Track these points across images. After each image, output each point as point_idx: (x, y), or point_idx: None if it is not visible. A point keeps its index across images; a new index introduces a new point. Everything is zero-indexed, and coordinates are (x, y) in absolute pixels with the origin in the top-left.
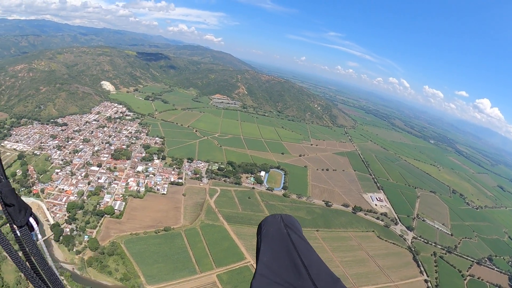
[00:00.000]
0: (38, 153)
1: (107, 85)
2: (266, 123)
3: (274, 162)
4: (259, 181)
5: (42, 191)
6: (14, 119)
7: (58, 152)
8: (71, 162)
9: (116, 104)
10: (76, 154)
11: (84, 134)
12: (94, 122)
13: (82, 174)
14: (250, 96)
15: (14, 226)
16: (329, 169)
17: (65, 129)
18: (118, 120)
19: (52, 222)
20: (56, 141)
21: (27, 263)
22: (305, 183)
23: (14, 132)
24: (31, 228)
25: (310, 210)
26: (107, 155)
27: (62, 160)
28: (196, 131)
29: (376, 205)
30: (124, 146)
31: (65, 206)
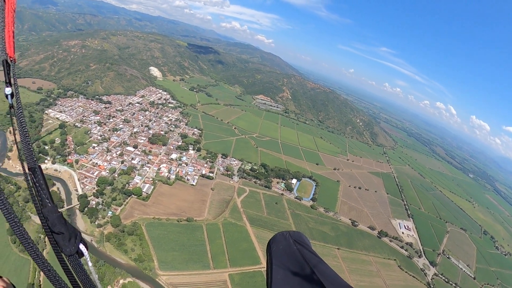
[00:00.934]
0: (79, 126)
1: (154, 71)
2: (305, 130)
3: (307, 172)
4: (289, 188)
5: (77, 161)
6: (61, 90)
7: (98, 127)
8: (109, 139)
9: (161, 90)
10: (115, 132)
11: (126, 115)
12: (137, 104)
13: (117, 152)
14: (294, 101)
15: (63, 254)
16: (362, 188)
17: (108, 107)
18: (160, 106)
19: (80, 192)
20: (98, 117)
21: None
22: (335, 198)
23: (60, 103)
24: (80, 254)
25: (335, 227)
26: (144, 138)
27: (100, 136)
28: (235, 128)
29: (403, 233)
30: (162, 132)
31: (96, 180)
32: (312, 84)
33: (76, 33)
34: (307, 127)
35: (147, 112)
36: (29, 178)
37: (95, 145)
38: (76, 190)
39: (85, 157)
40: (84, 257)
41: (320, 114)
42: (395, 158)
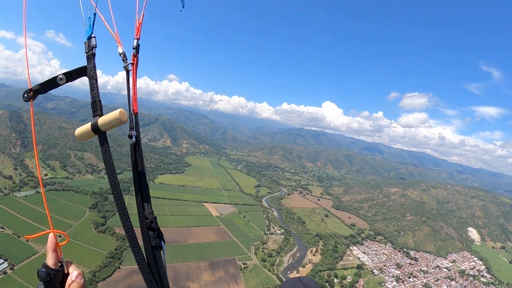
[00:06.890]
0: (375, 273)
1: (473, 233)
2: None
3: None
4: None
5: None
6: (372, 232)
7: (394, 283)
8: None
9: (476, 258)
10: None
11: (428, 278)
12: (444, 269)
13: None
14: None
15: (150, 246)
16: None
17: (413, 264)
18: (471, 278)
19: None
20: (399, 272)
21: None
22: None
23: (366, 244)
24: (160, 248)
25: None
26: None
27: None
28: None
29: None
30: None
31: None
32: None
33: (398, 181)
34: None
35: (453, 282)
36: (139, 196)
37: None
38: None
39: None
40: (162, 250)
41: None
42: None
